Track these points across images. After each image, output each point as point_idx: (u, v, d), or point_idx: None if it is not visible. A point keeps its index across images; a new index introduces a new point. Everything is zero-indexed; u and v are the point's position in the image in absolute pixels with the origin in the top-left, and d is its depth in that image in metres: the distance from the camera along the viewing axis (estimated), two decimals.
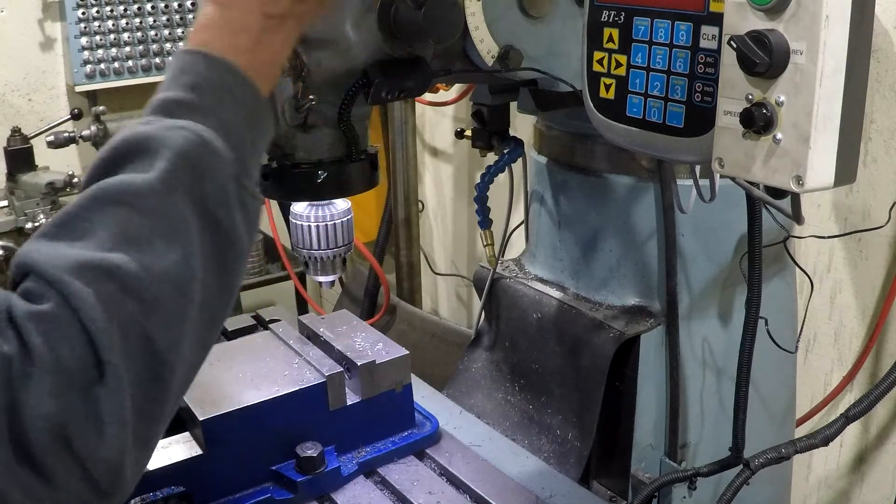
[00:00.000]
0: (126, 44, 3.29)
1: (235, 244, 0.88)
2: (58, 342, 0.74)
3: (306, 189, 1.31)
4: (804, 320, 1.73)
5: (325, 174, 1.28)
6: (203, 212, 0.85)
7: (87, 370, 0.75)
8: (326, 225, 1.42)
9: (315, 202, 1.41)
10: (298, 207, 1.42)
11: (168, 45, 3.35)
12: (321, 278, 1.50)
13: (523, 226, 1.82)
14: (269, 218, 2.93)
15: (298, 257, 1.48)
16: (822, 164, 0.92)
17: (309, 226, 1.42)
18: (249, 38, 0.95)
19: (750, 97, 0.94)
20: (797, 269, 1.67)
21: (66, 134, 2.89)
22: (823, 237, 1.88)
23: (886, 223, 1.79)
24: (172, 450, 1.44)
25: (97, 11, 3.23)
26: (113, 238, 0.79)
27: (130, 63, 3.30)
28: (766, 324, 1.46)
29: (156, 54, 3.34)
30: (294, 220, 1.43)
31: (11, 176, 2.82)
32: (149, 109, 0.90)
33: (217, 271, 0.86)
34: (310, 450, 1.47)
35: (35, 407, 0.73)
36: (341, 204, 1.43)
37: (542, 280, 1.72)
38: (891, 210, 1.78)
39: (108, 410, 0.76)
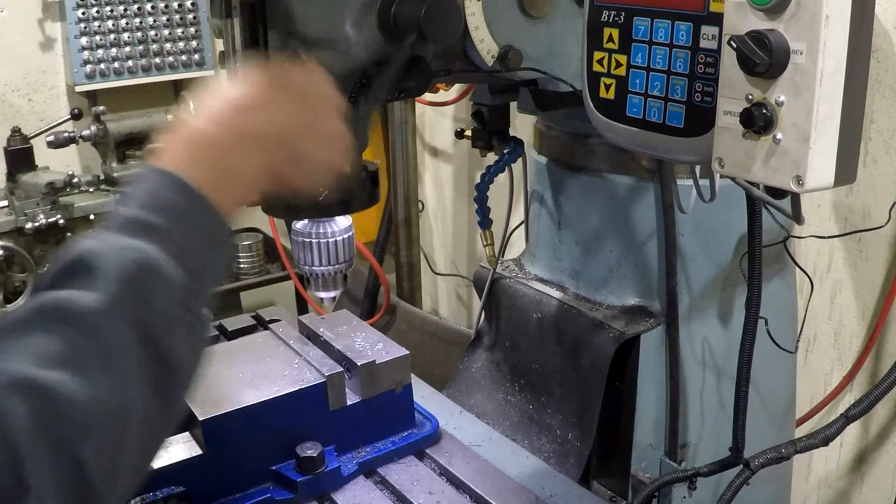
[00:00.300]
0: (126, 44, 3.29)
1: (178, 371, 0.86)
2: None
3: (308, 207, 1.34)
4: (804, 320, 1.73)
5: (327, 192, 1.30)
6: (145, 338, 0.82)
7: (11, 488, 0.70)
8: (328, 241, 1.44)
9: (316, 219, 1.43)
10: (300, 224, 1.44)
11: (168, 45, 3.35)
12: (322, 294, 1.52)
13: (523, 226, 1.82)
14: (270, 218, 2.93)
15: (300, 273, 1.50)
16: (822, 164, 0.92)
17: (310, 242, 1.43)
18: (225, 171, 0.94)
19: (750, 97, 0.94)
20: (797, 269, 1.67)
21: (66, 134, 2.89)
22: (823, 237, 1.88)
23: (886, 223, 1.79)
24: (172, 450, 1.44)
25: (97, 11, 3.23)
26: (52, 356, 0.76)
27: (130, 63, 3.30)
28: (766, 324, 1.46)
29: (156, 54, 3.34)
30: (295, 237, 1.45)
31: (11, 176, 2.82)
32: (106, 223, 0.88)
33: (157, 397, 0.83)
34: (310, 450, 1.47)
35: None
36: (342, 221, 1.44)
37: (542, 280, 1.72)
38: (891, 210, 1.78)
39: None
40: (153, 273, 0.84)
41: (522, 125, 1.77)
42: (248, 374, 1.55)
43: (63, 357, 0.76)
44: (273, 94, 1.00)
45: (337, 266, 1.45)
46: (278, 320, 1.77)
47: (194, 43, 3.39)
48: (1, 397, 0.72)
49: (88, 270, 0.81)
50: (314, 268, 1.45)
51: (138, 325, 0.82)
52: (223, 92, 0.99)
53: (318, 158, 1.06)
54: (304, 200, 1.29)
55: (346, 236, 1.45)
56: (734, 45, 0.93)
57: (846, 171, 0.95)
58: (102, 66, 3.27)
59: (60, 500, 0.73)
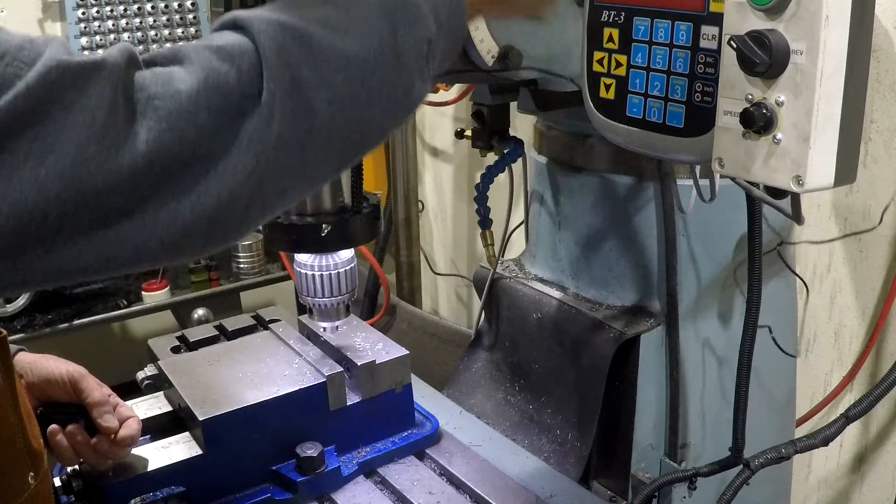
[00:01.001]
0: None
1: (411, 90, 0.92)
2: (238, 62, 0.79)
3: (310, 242, 1.36)
4: (802, 323, 1.73)
5: (329, 228, 1.33)
6: (393, 47, 0.88)
7: (251, 99, 0.80)
8: (330, 274, 1.46)
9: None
10: (302, 256, 1.45)
11: (168, 46, 3.35)
12: (324, 324, 1.53)
13: (523, 226, 1.82)
14: None
15: (303, 303, 1.52)
16: (822, 164, 0.92)
17: (313, 275, 1.45)
18: None
19: (750, 97, 0.94)
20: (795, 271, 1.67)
21: None
22: (816, 242, 1.88)
23: (879, 224, 1.79)
24: (172, 450, 1.44)
25: (97, 11, 3.23)
26: (318, 18, 0.84)
27: None
28: (771, 331, 1.46)
29: None
30: (298, 269, 1.47)
31: None
32: None
33: (384, 96, 0.89)
34: (310, 450, 1.47)
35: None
36: (345, 253, 1.45)
37: (542, 280, 1.72)
38: (883, 212, 1.79)
39: (251, 130, 0.79)
40: (417, 8, 0.91)
41: (522, 125, 1.77)
42: (248, 374, 1.55)
43: (326, 21, 0.85)
44: None
45: (339, 297, 1.48)
46: (278, 320, 1.78)
47: None
48: (262, 31, 0.81)
49: None
50: (317, 299, 1.47)
51: (392, 35, 0.88)
52: None
53: None
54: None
55: (348, 268, 1.47)
56: (734, 45, 0.93)
57: (846, 171, 0.95)
58: None
59: (286, 123, 0.81)
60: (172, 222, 0.78)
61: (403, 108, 0.94)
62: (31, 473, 1.09)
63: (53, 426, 1.32)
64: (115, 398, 1.38)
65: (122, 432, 1.34)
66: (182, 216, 0.78)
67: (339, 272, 1.46)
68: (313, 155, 0.85)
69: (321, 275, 1.45)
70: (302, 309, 1.56)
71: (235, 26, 0.84)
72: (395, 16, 0.89)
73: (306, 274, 1.45)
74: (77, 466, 1.41)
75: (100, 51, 0.80)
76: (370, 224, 1.40)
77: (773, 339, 1.47)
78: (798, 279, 1.69)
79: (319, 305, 1.48)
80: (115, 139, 0.74)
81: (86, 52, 0.75)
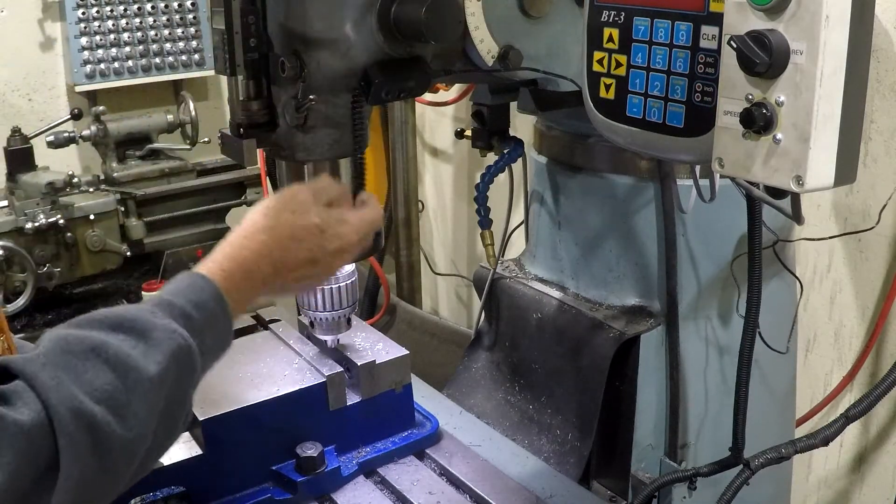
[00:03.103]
0: (126, 44, 3.29)
1: (175, 434, 1.09)
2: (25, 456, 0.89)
3: None
4: (794, 321, 1.72)
5: None
6: (167, 410, 1.02)
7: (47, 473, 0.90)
8: (332, 288, 1.45)
9: None
10: None
11: (168, 45, 3.35)
12: (325, 337, 1.53)
13: (523, 226, 1.82)
14: None
15: (304, 317, 1.52)
16: (822, 164, 0.92)
17: (314, 288, 1.44)
18: (251, 287, 1.15)
19: (750, 97, 0.94)
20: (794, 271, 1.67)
21: (66, 134, 2.89)
22: (813, 239, 1.88)
23: (876, 224, 1.79)
24: (172, 450, 1.44)
25: (97, 11, 3.23)
26: (101, 394, 0.95)
27: (130, 63, 3.30)
28: (758, 326, 1.45)
29: (156, 54, 3.34)
30: None
31: (11, 176, 2.81)
32: (155, 302, 1.06)
33: (158, 450, 1.05)
34: (310, 450, 1.47)
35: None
36: (346, 266, 1.44)
37: (542, 280, 1.72)
38: (881, 212, 1.79)
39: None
40: (190, 361, 1.05)
41: (522, 125, 1.77)
42: (248, 374, 1.55)
43: (110, 400, 0.95)
44: (303, 233, 1.18)
45: (341, 311, 1.48)
46: (278, 320, 1.77)
47: (194, 43, 3.38)
48: (65, 420, 0.91)
49: (145, 336, 1.01)
50: (318, 313, 1.47)
51: (168, 398, 1.02)
52: (263, 221, 1.17)
53: (321, 278, 1.26)
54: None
55: (349, 282, 1.47)
56: (734, 45, 0.93)
57: (846, 171, 0.95)
58: (102, 66, 3.26)
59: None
60: None
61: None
62: None
63: None
64: None
65: None
66: None
67: (340, 286, 1.46)
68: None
69: (322, 289, 1.45)
70: None
71: (21, 387, 0.91)
72: (168, 388, 1.02)
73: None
74: None
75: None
76: (372, 239, 1.40)
77: (760, 335, 1.46)
78: (793, 277, 1.69)
79: (321, 319, 1.48)
80: None
81: None
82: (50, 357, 0.95)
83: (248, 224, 1.18)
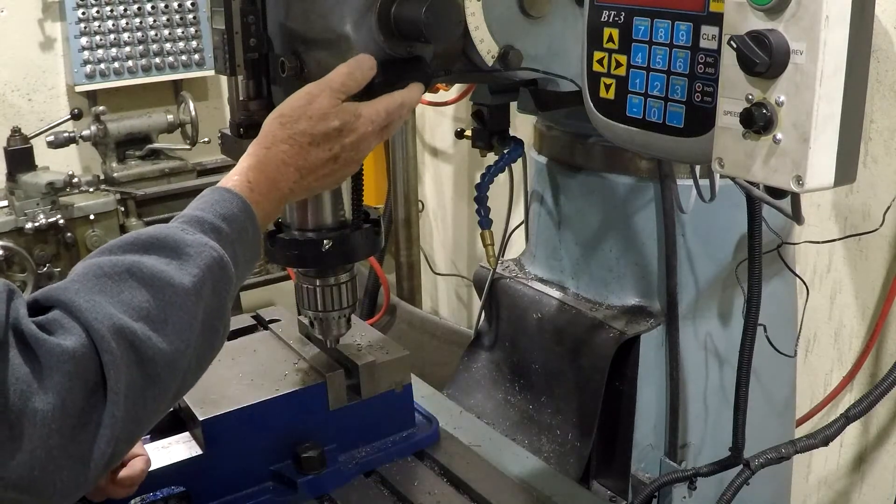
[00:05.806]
0: (126, 44, 3.29)
1: (216, 345, 1.10)
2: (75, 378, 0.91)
3: (311, 258, 1.37)
4: (801, 323, 1.73)
5: (330, 243, 1.34)
6: (207, 321, 1.04)
7: (97, 394, 0.93)
8: (331, 287, 1.44)
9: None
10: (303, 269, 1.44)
11: (168, 45, 3.35)
12: (325, 337, 1.52)
13: (523, 226, 1.82)
14: None
15: (303, 317, 1.51)
16: (822, 164, 0.92)
17: (314, 288, 1.44)
18: (278, 196, 1.16)
19: (750, 97, 0.94)
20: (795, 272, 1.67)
21: (66, 134, 2.89)
22: (816, 242, 1.88)
23: (881, 226, 1.79)
24: (172, 450, 1.44)
25: (97, 11, 3.23)
26: (139, 311, 0.97)
27: (130, 63, 3.30)
28: (766, 330, 1.45)
29: (156, 54, 3.34)
30: (299, 282, 1.46)
31: (11, 176, 2.81)
32: (184, 219, 1.08)
33: (200, 362, 1.07)
34: (310, 450, 1.47)
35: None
36: (346, 266, 1.44)
37: (542, 280, 1.72)
38: (885, 213, 1.79)
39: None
40: (224, 272, 1.06)
41: (522, 125, 1.77)
42: (248, 374, 1.55)
43: (148, 315, 0.98)
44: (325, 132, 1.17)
45: (340, 311, 1.47)
46: (278, 320, 1.77)
47: (194, 43, 3.39)
48: (107, 338, 0.93)
49: (178, 253, 1.02)
50: (318, 312, 1.46)
51: (206, 310, 1.04)
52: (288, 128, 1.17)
53: (345, 171, 1.24)
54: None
55: (349, 281, 1.46)
56: (734, 45, 0.93)
57: (846, 171, 0.95)
58: (102, 66, 3.26)
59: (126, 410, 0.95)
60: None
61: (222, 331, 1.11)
62: None
63: None
64: None
65: (123, 472, 1.31)
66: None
67: (340, 285, 1.46)
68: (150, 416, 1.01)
69: (322, 287, 1.45)
70: None
71: (61, 315, 0.95)
72: (206, 299, 1.03)
73: (307, 287, 1.45)
74: None
75: None
76: (371, 239, 1.40)
77: (767, 338, 1.47)
78: (798, 279, 1.69)
79: (321, 318, 1.48)
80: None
81: None
82: (84, 283, 0.98)
83: (267, 135, 1.17)
